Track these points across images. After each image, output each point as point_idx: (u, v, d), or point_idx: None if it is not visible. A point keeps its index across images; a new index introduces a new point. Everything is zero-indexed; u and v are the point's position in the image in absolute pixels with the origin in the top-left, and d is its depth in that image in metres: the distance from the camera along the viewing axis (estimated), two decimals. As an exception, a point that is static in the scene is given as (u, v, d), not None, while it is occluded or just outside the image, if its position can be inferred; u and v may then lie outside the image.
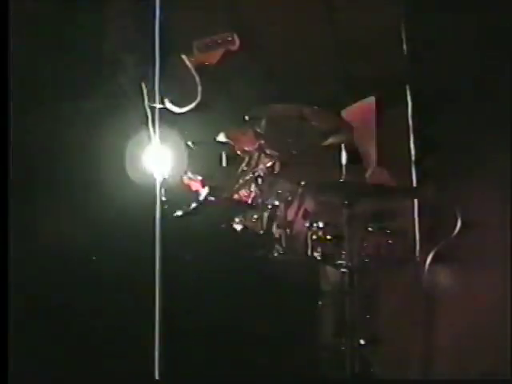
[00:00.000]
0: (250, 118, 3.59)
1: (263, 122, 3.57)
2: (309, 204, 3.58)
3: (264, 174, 3.43)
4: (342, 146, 3.56)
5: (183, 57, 3.35)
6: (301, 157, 3.75)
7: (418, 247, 2.78)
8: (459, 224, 1.89)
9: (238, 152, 3.62)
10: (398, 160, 3.51)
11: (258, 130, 3.62)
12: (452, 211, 2.46)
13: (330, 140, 3.71)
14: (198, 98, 3.21)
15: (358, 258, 3.04)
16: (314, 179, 3.36)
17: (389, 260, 3.20)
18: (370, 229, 3.32)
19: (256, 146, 3.71)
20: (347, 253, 3.14)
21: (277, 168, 3.75)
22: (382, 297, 2.97)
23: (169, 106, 3.07)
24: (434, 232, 3.07)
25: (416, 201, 3.06)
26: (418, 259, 2.52)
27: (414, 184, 2.57)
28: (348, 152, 3.60)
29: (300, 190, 3.40)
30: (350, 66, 4.11)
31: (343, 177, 3.35)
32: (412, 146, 3.18)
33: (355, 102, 4.03)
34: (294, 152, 3.72)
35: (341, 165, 3.51)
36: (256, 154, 3.82)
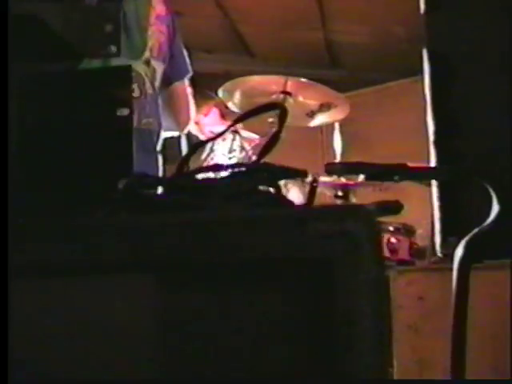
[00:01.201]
0: (218, 92, 3.27)
1: (237, 96, 3.18)
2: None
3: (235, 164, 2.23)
4: (336, 125, 3.29)
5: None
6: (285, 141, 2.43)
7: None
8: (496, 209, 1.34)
9: (201, 136, 3.21)
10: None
11: (230, 106, 3.19)
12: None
13: (320, 119, 3.33)
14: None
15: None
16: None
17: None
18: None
19: (225, 127, 2.93)
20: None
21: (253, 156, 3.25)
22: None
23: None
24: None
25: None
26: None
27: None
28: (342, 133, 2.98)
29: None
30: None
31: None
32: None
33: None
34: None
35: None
36: (228, 138, 3.49)
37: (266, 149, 1.03)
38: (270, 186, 0.99)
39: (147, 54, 2.22)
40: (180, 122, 2.44)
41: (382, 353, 0.71)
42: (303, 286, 0.72)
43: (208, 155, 3.29)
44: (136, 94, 2.18)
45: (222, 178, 0.96)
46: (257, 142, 3.26)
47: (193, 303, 0.70)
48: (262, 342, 0.69)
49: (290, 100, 3.04)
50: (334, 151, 3.41)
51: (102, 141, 1.05)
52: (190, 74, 2.46)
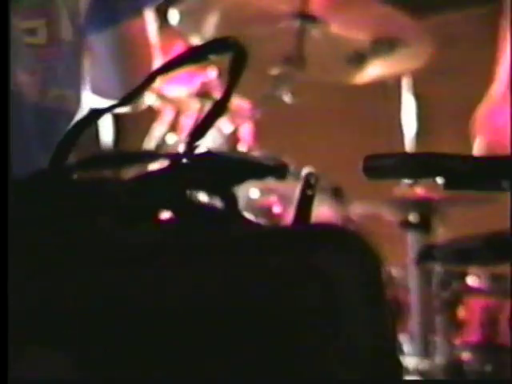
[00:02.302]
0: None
1: (209, 23, 1.96)
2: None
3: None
4: (405, 82, 2.17)
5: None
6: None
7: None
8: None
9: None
10: None
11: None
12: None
13: (374, 69, 2.03)
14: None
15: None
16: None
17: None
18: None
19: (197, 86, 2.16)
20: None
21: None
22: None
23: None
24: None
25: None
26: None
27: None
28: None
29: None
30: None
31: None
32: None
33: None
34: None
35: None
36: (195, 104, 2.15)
37: (203, 126, 0.73)
38: (212, 194, 0.68)
39: None
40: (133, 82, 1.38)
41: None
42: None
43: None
44: (40, 39, 1.36)
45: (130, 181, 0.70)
46: (245, 114, 2.15)
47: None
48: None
49: (315, 31, 2.00)
50: (401, 133, 2.28)
51: None
52: (156, 1, 1.60)
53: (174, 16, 2.01)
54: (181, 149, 0.77)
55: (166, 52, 1.90)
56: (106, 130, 2.35)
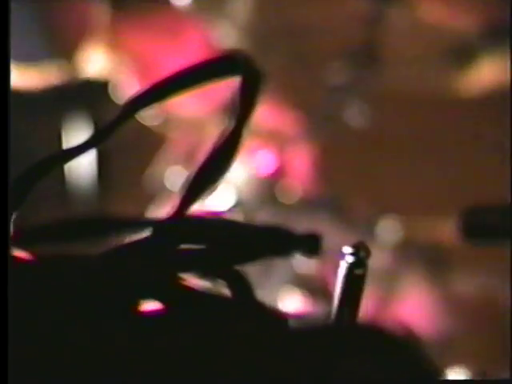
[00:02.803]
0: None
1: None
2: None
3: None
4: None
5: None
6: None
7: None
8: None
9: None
10: None
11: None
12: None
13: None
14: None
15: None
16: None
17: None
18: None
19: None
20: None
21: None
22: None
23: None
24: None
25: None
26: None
27: None
28: None
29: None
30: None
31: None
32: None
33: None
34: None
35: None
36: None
37: (206, 172, 0.60)
38: (215, 276, 0.57)
39: None
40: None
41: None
42: None
43: None
44: None
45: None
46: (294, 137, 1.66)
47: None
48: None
49: (397, 16, 1.54)
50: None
51: None
52: None
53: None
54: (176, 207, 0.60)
55: (173, 48, 1.59)
56: (83, 167, 1.97)
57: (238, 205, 1.65)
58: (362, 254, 0.64)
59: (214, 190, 0.62)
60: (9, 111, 0.75)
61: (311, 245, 0.59)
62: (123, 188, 1.96)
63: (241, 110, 0.62)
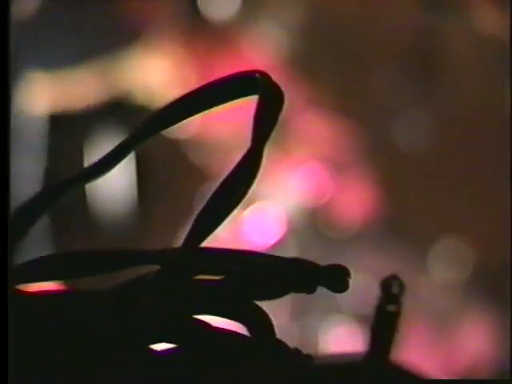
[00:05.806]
0: None
1: None
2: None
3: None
4: None
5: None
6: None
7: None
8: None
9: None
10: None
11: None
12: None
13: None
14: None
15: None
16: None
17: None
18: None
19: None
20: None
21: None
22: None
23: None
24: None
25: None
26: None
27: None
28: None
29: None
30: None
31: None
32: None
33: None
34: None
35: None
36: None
37: (220, 204, 0.53)
38: (232, 314, 0.53)
39: None
40: None
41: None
42: None
43: None
44: None
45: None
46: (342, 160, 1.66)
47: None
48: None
49: (454, 24, 1.47)
50: None
51: None
52: None
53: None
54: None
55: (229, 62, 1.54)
56: (109, 194, 1.97)
57: (290, 235, 1.64)
58: (395, 289, 0.60)
59: (227, 217, 0.53)
60: (9, 111, 0.76)
61: (337, 279, 0.53)
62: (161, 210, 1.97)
63: (259, 131, 0.54)
